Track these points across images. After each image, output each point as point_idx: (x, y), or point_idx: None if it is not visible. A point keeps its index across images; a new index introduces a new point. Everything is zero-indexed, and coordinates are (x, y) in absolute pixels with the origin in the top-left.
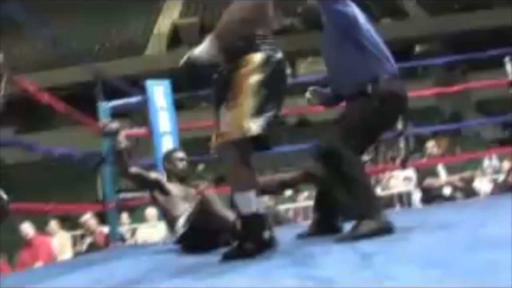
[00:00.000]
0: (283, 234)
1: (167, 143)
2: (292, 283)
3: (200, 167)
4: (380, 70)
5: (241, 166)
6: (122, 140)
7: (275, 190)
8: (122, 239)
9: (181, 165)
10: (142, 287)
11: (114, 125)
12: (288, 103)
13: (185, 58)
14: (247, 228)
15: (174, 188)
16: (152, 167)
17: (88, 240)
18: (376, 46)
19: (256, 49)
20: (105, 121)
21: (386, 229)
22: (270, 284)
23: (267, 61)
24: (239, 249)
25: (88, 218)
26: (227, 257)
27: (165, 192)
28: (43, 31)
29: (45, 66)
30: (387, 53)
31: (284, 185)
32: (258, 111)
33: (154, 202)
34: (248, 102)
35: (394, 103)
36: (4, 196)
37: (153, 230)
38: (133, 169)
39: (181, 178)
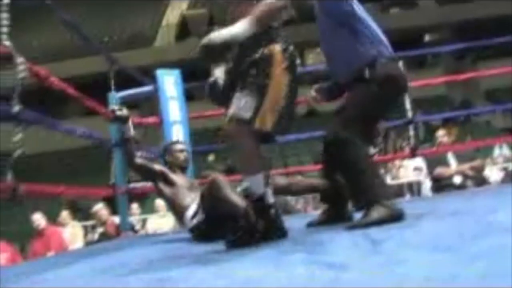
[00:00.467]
0: (293, 223)
1: (177, 132)
2: (302, 269)
3: (211, 157)
4: (376, 54)
5: (255, 151)
6: (130, 128)
7: (299, 193)
8: (133, 229)
9: (182, 156)
10: (153, 275)
11: (124, 111)
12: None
13: (214, 36)
14: (260, 208)
15: (179, 178)
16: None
17: (99, 230)
18: (370, 30)
19: (274, 41)
20: (115, 107)
21: (396, 217)
22: (280, 270)
23: (284, 53)
24: (250, 232)
25: (100, 208)
26: (238, 241)
27: (170, 183)
28: (64, 18)
29: (57, 57)
30: (382, 36)
31: (311, 190)
32: (279, 108)
33: (160, 194)
34: (274, 96)
35: (392, 86)
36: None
37: (163, 220)
38: (139, 160)
39: (184, 169)
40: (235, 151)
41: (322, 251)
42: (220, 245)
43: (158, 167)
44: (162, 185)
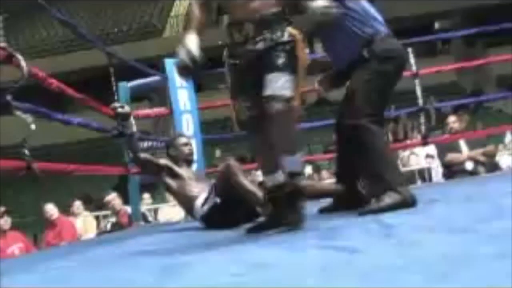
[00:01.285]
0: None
1: (186, 122)
2: (315, 253)
3: (218, 153)
4: (372, 32)
5: (296, 130)
6: (132, 124)
7: (312, 197)
8: (145, 218)
9: (186, 150)
10: (167, 260)
11: (126, 108)
12: (308, 80)
13: None
14: (296, 186)
15: (185, 171)
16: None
17: (111, 220)
18: (364, 9)
19: (291, 24)
20: (117, 104)
21: (408, 202)
22: (293, 255)
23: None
24: (274, 218)
25: (113, 198)
26: (261, 227)
27: (176, 176)
28: (58, 15)
29: (61, 50)
30: (375, 14)
31: (325, 195)
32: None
33: (167, 188)
34: (301, 78)
35: (393, 60)
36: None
37: (174, 210)
38: (142, 155)
39: (189, 162)
40: (277, 130)
41: (335, 236)
42: (232, 231)
43: (163, 161)
44: (168, 179)
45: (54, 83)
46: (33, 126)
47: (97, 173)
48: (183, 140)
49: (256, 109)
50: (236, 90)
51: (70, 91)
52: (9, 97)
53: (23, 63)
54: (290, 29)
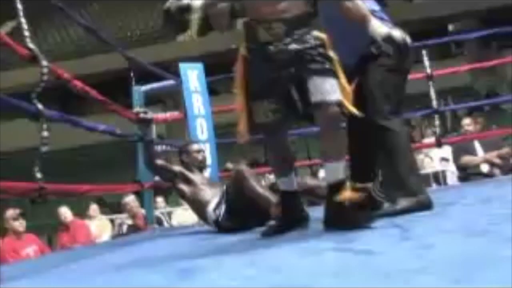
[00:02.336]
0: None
1: (201, 126)
2: (331, 256)
3: (229, 165)
4: None
5: (344, 136)
6: (153, 131)
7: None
8: (160, 222)
9: (200, 156)
10: (181, 264)
11: (149, 115)
12: None
13: None
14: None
15: (197, 177)
16: None
17: (128, 222)
18: (368, 9)
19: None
20: (140, 109)
21: (425, 205)
22: (308, 258)
23: None
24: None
25: (131, 200)
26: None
27: (190, 183)
28: (78, 18)
29: (79, 54)
30: (382, 13)
31: None
32: None
33: (180, 194)
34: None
35: (400, 54)
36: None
37: (187, 213)
38: (159, 161)
39: (201, 168)
40: (328, 135)
41: (350, 239)
42: (245, 235)
43: (177, 168)
44: (182, 185)
45: (79, 84)
46: (45, 148)
47: (110, 192)
48: (195, 147)
49: (282, 112)
50: (260, 92)
51: (94, 93)
52: (40, 106)
53: (45, 68)
54: (316, 32)
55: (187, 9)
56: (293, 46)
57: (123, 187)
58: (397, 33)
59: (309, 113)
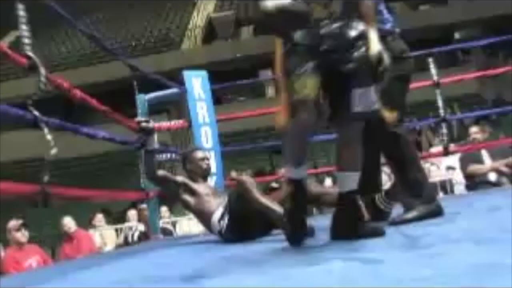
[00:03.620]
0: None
1: (205, 134)
2: (339, 265)
3: (234, 174)
4: (385, 31)
5: None
6: (154, 141)
7: (330, 205)
8: (168, 232)
9: (204, 165)
10: (188, 273)
11: (151, 124)
12: None
13: None
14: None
15: (201, 187)
16: None
17: (140, 228)
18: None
19: None
20: (141, 118)
21: (438, 212)
22: (317, 266)
23: None
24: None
25: (145, 208)
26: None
27: (193, 192)
28: (83, 30)
29: (83, 62)
30: (387, 15)
31: None
32: None
33: (184, 205)
34: None
35: (407, 61)
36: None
37: (193, 223)
38: (160, 172)
39: (205, 177)
40: (357, 142)
41: (359, 248)
42: (252, 245)
43: (180, 178)
44: (186, 196)
45: (78, 93)
46: (53, 150)
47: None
48: (200, 154)
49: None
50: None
51: (94, 102)
52: (36, 112)
53: (43, 77)
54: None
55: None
56: (353, 33)
57: (127, 194)
58: (386, 59)
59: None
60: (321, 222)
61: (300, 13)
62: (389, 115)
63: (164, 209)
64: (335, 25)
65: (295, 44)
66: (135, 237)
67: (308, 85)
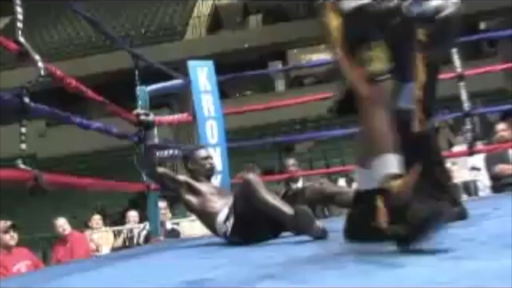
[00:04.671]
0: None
1: (211, 128)
2: (354, 268)
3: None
4: None
5: None
6: (155, 135)
7: (346, 206)
8: (176, 234)
9: (207, 164)
10: (192, 277)
11: (150, 117)
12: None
13: None
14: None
15: (205, 186)
16: None
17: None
18: None
19: None
20: (141, 111)
21: (460, 215)
22: (331, 269)
23: None
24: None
25: (162, 207)
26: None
27: (196, 192)
28: (86, 15)
29: (80, 53)
30: None
31: None
32: None
33: (187, 206)
34: None
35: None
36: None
37: (195, 224)
38: (160, 169)
39: (209, 177)
40: None
41: (374, 251)
42: (260, 248)
43: (182, 177)
44: (188, 196)
45: (73, 83)
46: (23, 145)
47: (114, 189)
48: (202, 153)
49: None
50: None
51: (90, 93)
52: (27, 99)
53: (40, 63)
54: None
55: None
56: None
57: (127, 185)
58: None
59: None
60: (335, 224)
61: (381, 12)
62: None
63: (162, 205)
64: None
65: (358, 10)
66: (141, 238)
67: (380, 56)
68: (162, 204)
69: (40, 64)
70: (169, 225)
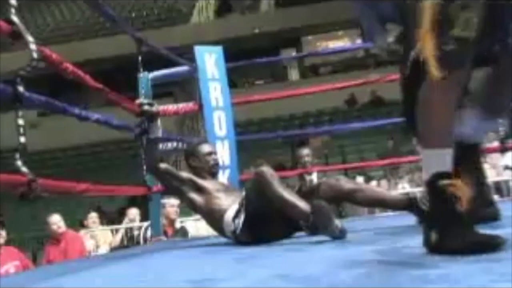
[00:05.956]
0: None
1: (219, 119)
2: (379, 269)
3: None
4: None
5: None
6: (159, 128)
7: (364, 204)
8: (184, 233)
9: (212, 160)
10: (199, 276)
11: (155, 107)
12: (359, 76)
13: None
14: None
15: (210, 184)
16: None
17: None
18: None
19: None
20: (144, 100)
21: (492, 215)
22: (353, 269)
23: None
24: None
25: (175, 204)
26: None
27: (202, 191)
28: None
29: (77, 36)
30: None
31: (379, 203)
32: None
33: (191, 205)
34: None
35: None
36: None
37: (200, 224)
38: (162, 165)
39: (214, 174)
40: None
41: (403, 249)
42: (271, 247)
43: (185, 174)
44: (192, 195)
45: (70, 67)
46: (22, 138)
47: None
48: (206, 148)
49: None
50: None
51: (89, 79)
52: (21, 88)
53: (33, 44)
54: None
55: None
56: None
57: (126, 189)
58: None
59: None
60: (355, 223)
61: None
62: None
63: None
64: None
65: None
66: (148, 235)
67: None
68: (174, 201)
69: (33, 45)
70: (177, 224)
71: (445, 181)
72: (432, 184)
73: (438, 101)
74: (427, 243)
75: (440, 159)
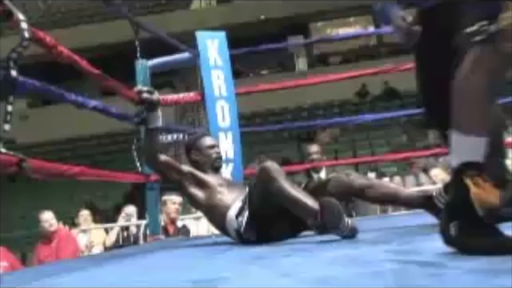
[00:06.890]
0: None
1: (222, 110)
2: (389, 269)
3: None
4: None
5: None
6: (159, 117)
7: (376, 201)
8: (186, 231)
9: (214, 153)
10: (203, 275)
11: (155, 95)
12: (371, 66)
13: None
14: None
15: (213, 179)
16: None
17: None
18: None
19: None
20: (143, 88)
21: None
22: (360, 268)
23: None
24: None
25: (177, 200)
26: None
27: (204, 186)
28: None
29: (71, 21)
30: None
31: (392, 200)
32: None
33: (191, 200)
34: None
35: None
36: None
37: (200, 223)
38: (162, 157)
39: (216, 169)
40: None
41: (417, 249)
42: (276, 246)
43: (186, 167)
44: (193, 189)
45: (65, 52)
46: (7, 126)
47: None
48: (208, 141)
49: None
50: None
51: (84, 63)
52: (14, 73)
53: (24, 23)
54: None
55: None
56: None
57: (123, 176)
58: None
59: None
60: (366, 222)
61: None
62: None
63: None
64: None
65: None
66: (141, 237)
67: None
68: (176, 198)
69: (23, 24)
70: (179, 222)
71: (475, 172)
72: (460, 173)
73: (484, 82)
74: (444, 235)
75: (474, 148)
